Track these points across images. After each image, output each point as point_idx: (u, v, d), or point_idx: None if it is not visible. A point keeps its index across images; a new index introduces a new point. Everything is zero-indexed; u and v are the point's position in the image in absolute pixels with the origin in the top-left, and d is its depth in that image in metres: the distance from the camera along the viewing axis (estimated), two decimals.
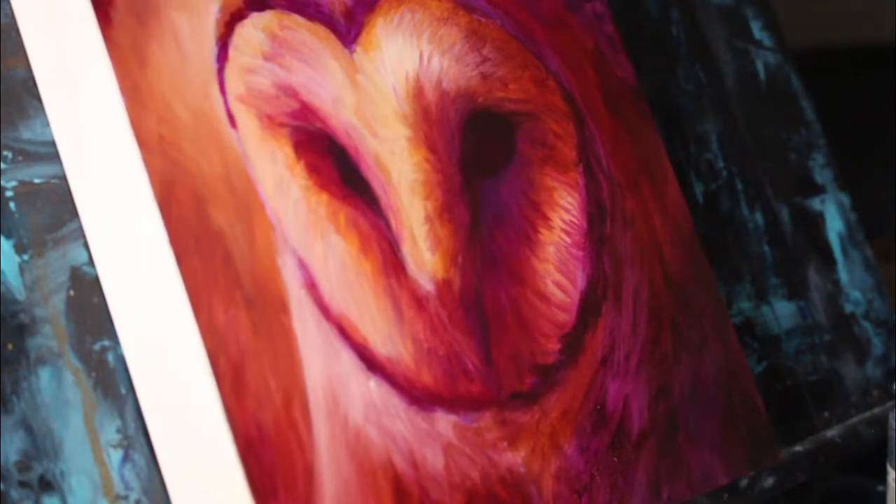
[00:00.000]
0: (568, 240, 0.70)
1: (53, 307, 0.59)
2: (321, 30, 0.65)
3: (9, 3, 0.61)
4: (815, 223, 0.89)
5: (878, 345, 0.88)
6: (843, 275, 0.89)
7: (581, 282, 0.70)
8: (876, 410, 0.86)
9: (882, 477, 0.77)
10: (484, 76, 0.70)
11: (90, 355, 0.59)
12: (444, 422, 0.62)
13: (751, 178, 0.86)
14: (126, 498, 0.59)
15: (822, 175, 0.91)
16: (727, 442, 0.72)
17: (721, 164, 0.85)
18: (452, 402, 0.63)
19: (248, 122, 0.61)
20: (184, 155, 0.59)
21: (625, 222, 0.72)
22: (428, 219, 0.65)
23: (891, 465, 0.68)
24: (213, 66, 0.61)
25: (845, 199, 0.91)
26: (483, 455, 0.63)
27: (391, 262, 0.63)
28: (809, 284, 0.87)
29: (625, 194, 0.73)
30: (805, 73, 0.92)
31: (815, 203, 0.90)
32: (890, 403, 0.87)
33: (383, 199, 0.64)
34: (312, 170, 0.63)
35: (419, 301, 0.64)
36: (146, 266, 0.58)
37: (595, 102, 0.74)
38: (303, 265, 0.61)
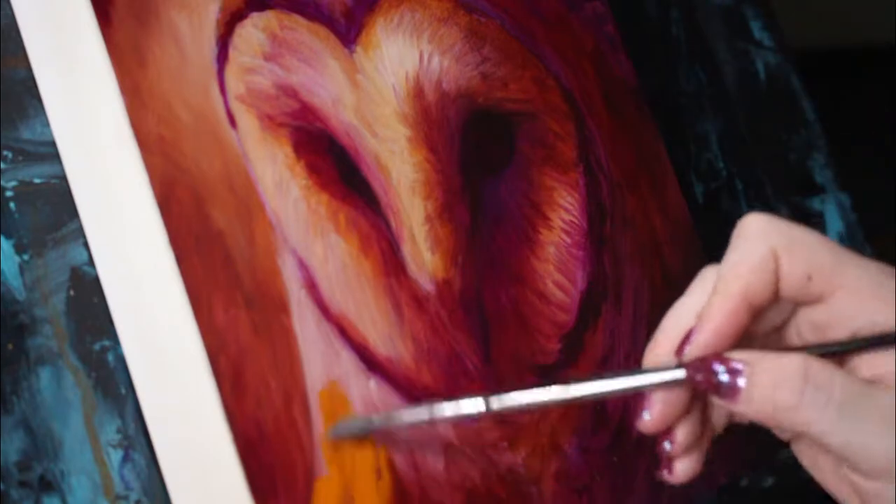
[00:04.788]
0: (568, 240, 0.70)
1: (53, 307, 0.59)
2: (321, 30, 0.65)
3: (9, 3, 0.61)
4: (815, 223, 0.89)
5: None
6: None
7: (581, 282, 0.70)
8: None
9: None
10: (484, 76, 0.70)
11: (90, 355, 0.59)
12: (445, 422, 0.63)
13: (751, 178, 0.86)
14: (126, 498, 0.59)
15: (822, 175, 0.91)
16: (727, 442, 0.72)
17: (721, 164, 0.85)
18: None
19: (248, 122, 0.61)
20: (184, 155, 0.59)
21: (625, 222, 0.72)
22: (428, 219, 0.65)
23: None
24: (213, 66, 0.61)
25: (845, 199, 0.91)
26: (483, 455, 0.63)
27: (391, 262, 0.63)
28: None
29: (625, 194, 0.73)
30: (805, 73, 0.92)
31: (815, 203, 0.90)
32: None
33: (383, 199, 0.64)
34: (312, 170, 0.63)
35: (419, 301, 0.64)
36: (146, 266, 0.58)
37: (595, 102, 0.74)
38: (303, 265, 0.61)
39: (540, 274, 0.68)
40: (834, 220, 0.90)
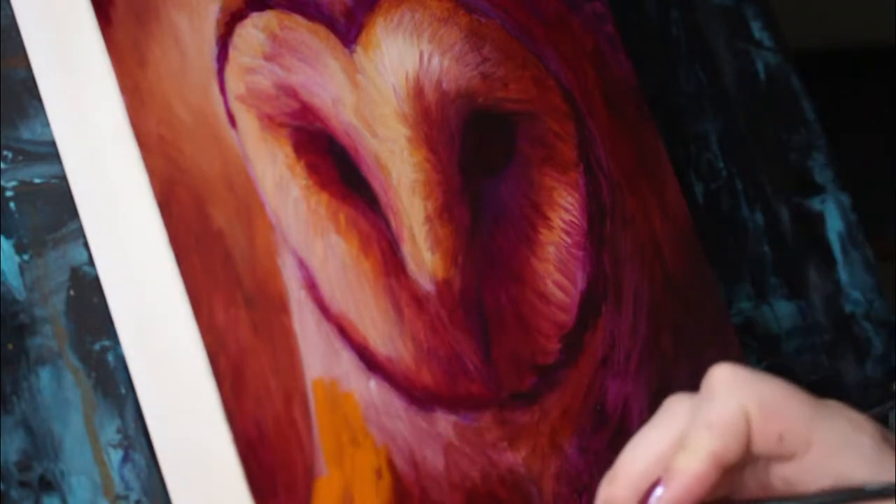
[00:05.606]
0: (568, 240, 0.70)
1: (53, 307, 0.59)
2: (321, 30, 0.65)
3: (9, 3, 0.61)
4: (815, 223, 0.89)
5: (878, 345, 0.88)
6: (843, 275, 0.89)
7: (581, 282, 0.70)
8: (876, 410, 0.86)
9: None
10: (484, 76, 0.70)
11: (90, 355, 0.59)
12: (444, 422, 0.63)
13: (751, 178, 0.86)
14: (126, 498, 0.59)
15: (822, 175, 0.91)
16: None
17: (721, 164, 0.85)
18: (452, 402, 0.63)
19: (248, 122, 0.61)
20: (184, 155, 0.59)
21: (625, 222, 0.72)
22: (428, 219, 0.65)
23: None
24: (213, 66, 0.61)
25: (845, 199, 0.91)
26: (483, 455, 0.63)
27: (391, 262, 0.63)
28: (809, 284, 0.87)
29: (625, 194, 0.73)
30: (805, 73, 0.92)
31: (815, 203, 0.90)
32: (890, 403, 0.87)
33: (383, 199, 0.64)
34: (312, 170, 0.63)
35: (419, 301, 0.64)
36: (146, 266, 0.58)
37: (595, 102, 0.74)
38: (303, 265, 0.61)
39: (540, 274, 0.68)
40: (834, 220, 0.90)
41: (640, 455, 0.53)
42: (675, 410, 0.54)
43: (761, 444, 0.52)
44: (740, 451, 0.52)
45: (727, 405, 0.52)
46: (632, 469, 0.53)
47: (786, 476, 0.53)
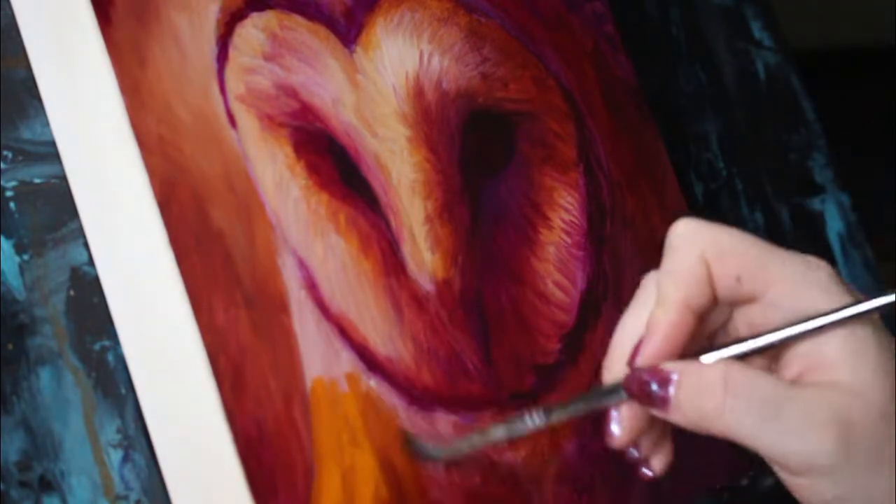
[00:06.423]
0: (568, 240, 0.70)
1: (53, 307, 0.59)
2: (321, 30, 0.65)
3: (9, 3, 0.61)
4: (815, 223, 0.89)
5: None
6: (843, 275, 0.89)
7: (581, 282, 0.70)
8: None
9: None
10: (484, 76, 0.70)
11: (90, 355, 0.59)
12: (445, 422, 0.63)
13: (751, 178, 0.86)
14: (126, 498, 0.59)
15: (822, 175, 0.91)
16: (727, 441, 0.72)
17: (721, 164, 0.85)
18: (452, 402, 0.63)
19: (248, 122, 0.61)
20: (184, 155, 0.59)
21: (625, 222, 0.72)
22: (428, 219, 0.65)
23: None
24: (213, 66, 0.61)
25: (845, 199, 0.91)
26: (483, 455, 0.63)
27: (391, 262, 0.63)
28: None
29: (625, 194, 0.73)
30: (805, 73, 0.92)
31: (815, 203, 0.90)
32: None
33: (383, 199, 0.64)
34: (312, 170, 0.63)
35: (419, 301, 0.64)
36: (146, 266, 0.58)
37: (595, 102, 0.74)
38: (303, 265, 0.61)
39: (540, 274, 0.68)
40: (834, 220, 0.90)
41: (626, 334, 0.56)
42: (650, 286, 0.56)
43: (722, 286, 0.54)
44: (706, 295, 0.54)
45: (686, 254, 0.54)
46: (622, 349, 0.55)
47: (751, 321, 0.55)
